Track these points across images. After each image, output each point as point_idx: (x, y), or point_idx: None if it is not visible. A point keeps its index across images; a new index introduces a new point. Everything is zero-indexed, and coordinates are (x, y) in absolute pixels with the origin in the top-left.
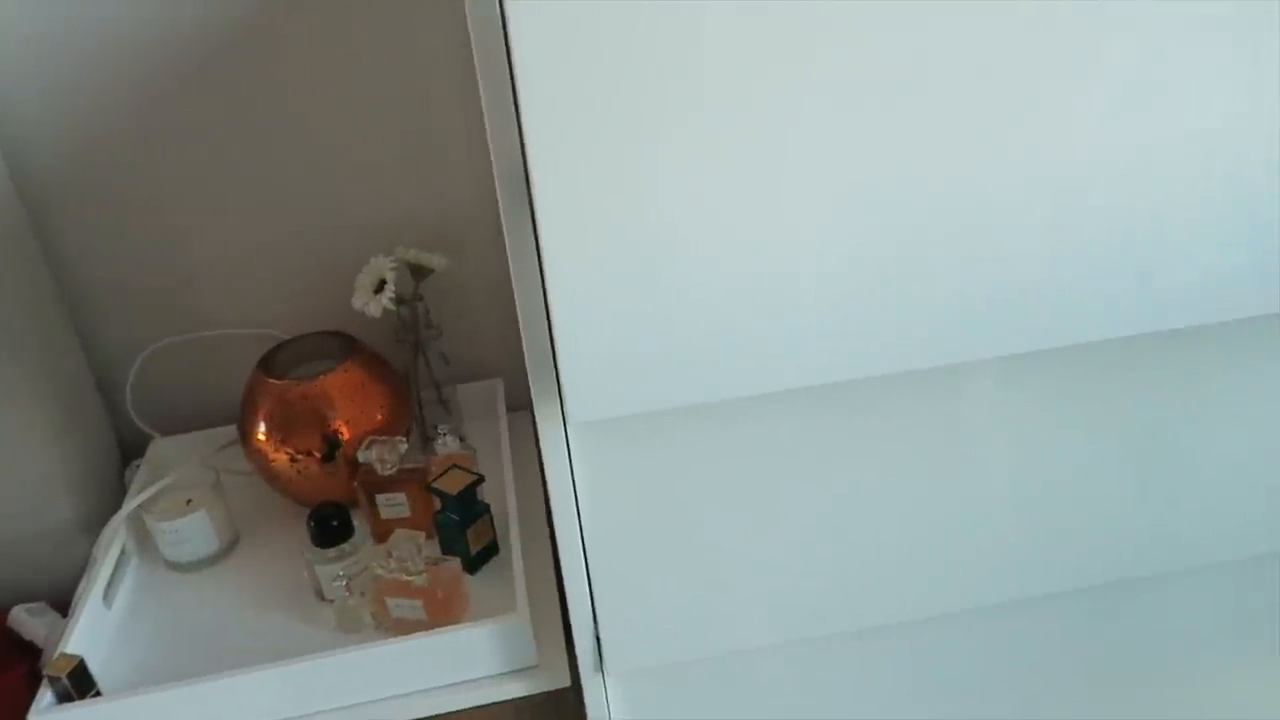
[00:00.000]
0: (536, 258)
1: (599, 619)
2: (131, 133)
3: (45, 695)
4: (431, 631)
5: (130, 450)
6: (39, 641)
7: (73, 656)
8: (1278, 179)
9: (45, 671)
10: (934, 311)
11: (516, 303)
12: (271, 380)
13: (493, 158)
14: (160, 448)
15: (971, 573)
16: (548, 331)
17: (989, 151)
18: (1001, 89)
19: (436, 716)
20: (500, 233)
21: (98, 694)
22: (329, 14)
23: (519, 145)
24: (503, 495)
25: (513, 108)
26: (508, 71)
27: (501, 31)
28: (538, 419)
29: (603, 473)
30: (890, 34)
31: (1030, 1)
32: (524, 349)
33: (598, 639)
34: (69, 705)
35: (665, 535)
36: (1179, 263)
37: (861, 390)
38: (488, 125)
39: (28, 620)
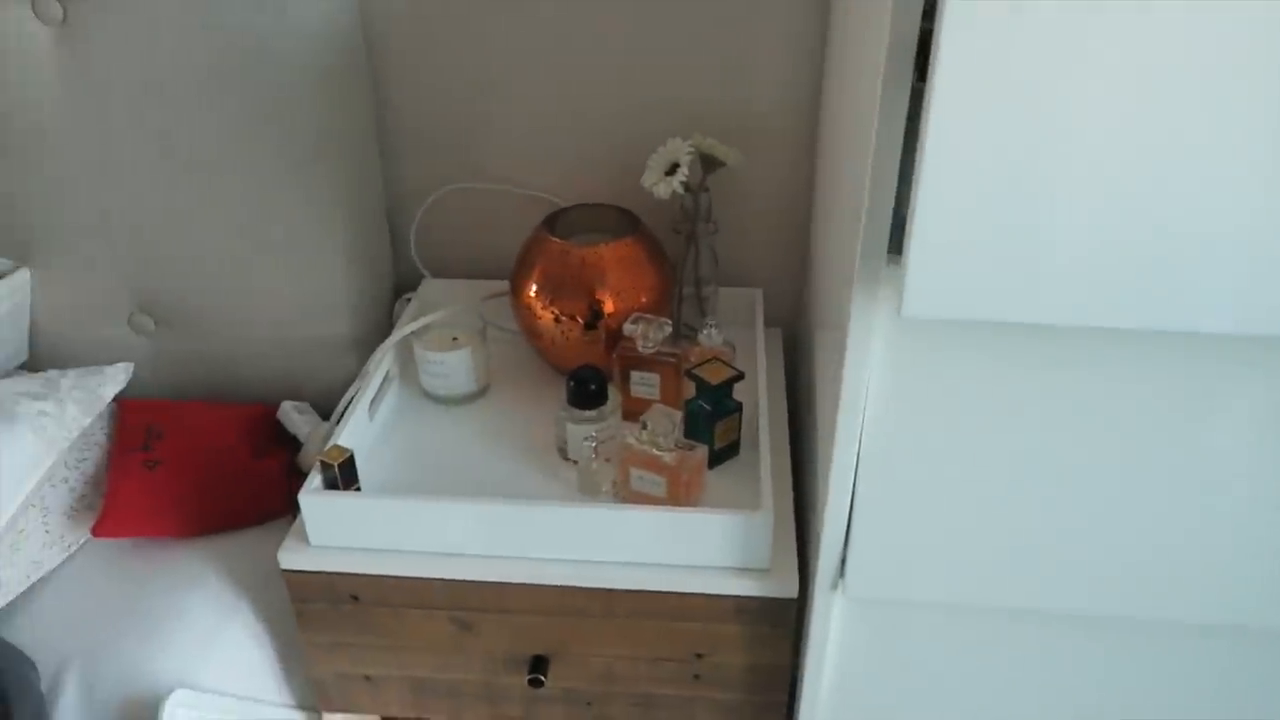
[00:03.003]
0: (902, 142)
1: (851, 536)
2: None
3: (315, 478)
4: (674, 508)
5: (401, 285)
6: (300, 436)
7: (345, 449)
8: None
9: (319, 457)
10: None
11: (868, 184)
12: (554, 240)
13: (889, 23)
14: (431, 287)
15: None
16: (888, 223)
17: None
18: None
19: (655, 593)
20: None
21: (358, 489)
22: None
23: (919, 17)
24: (754, 399)
25: None
26: None
27: None
28: (852, 317)
29: (899, 387)
30: None
31: None
32: (860, 232)
33: (843, 557)
34: (334, 493)
35: (942, 466)
36: None
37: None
38: None
39: (295, 416)
